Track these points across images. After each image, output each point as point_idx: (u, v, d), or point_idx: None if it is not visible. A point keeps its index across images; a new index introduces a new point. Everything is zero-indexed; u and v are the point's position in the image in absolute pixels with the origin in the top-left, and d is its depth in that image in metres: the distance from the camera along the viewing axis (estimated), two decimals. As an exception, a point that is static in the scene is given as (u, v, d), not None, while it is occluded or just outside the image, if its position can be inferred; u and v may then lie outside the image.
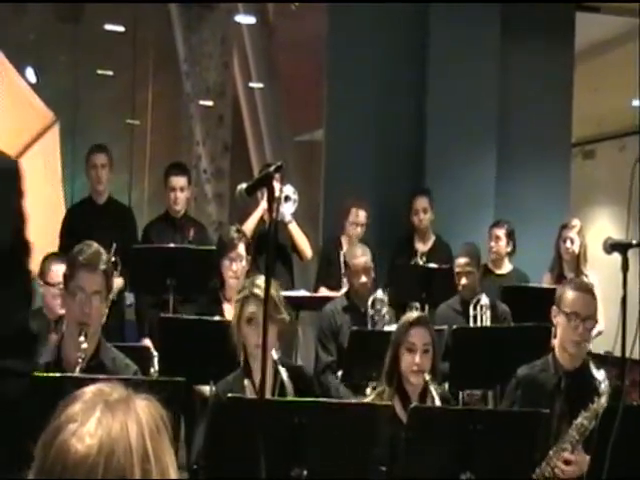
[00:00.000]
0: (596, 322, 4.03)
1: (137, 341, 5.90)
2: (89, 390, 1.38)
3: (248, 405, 3.31)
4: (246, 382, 3.70)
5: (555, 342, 4.02)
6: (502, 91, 7.78)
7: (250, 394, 3.59)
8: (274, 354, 3.60)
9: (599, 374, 3.74)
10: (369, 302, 5.53)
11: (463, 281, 5.78)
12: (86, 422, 1.33)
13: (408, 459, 3.41)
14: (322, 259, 7.09)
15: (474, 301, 5.69)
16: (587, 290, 3.94)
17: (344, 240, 6.90)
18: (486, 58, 7.70)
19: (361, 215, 6.82)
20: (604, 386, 3.70)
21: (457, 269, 5.81)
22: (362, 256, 5.64)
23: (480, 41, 7.66)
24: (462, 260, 5.81)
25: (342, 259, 6.60)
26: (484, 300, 5.68)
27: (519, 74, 7.94)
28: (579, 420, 3.72)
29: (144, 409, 1.37)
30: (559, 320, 3.91)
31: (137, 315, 6.38)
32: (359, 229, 6.80)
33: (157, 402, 1.40)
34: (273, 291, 3.73)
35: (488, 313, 5.62)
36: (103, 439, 1.31)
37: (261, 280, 3.67)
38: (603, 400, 3.65)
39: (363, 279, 5.56)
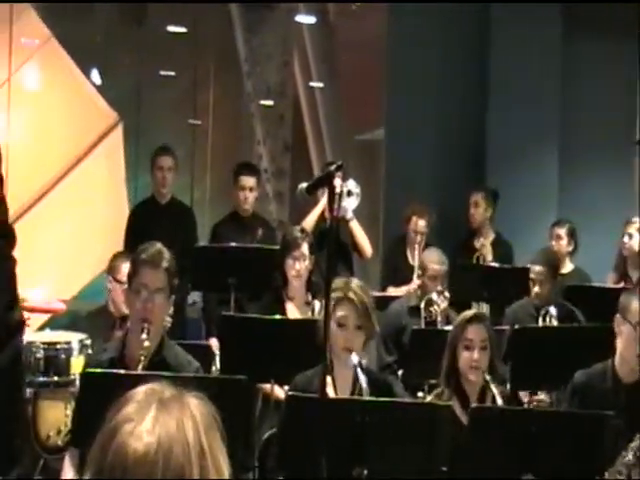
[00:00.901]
0: None
1: (201, 340, 5.94)
2: (141, 390, 1.39)
3: (310, 403, 3.32)
4: (327, 379, 3.70)
5: (617, 351, 3.89)
6: (565, 90, 7.69)
7: (330, 391, 3.58)
8: (354, 358, 3.58)
9: None
10: (422, 304, 5.50)
11: (536, 289, 5.62)
12: (142, 421, 1.33)
13: (468, 460, 3.39)
14: (386, 259, 7.09)
15: (543, 312, 5.57)
16: None
17: (408, 240, 6.90)
18: (548, 56, 7.61)
19: (420, 224, 6.79)
20: None
21: (532, 275, 5.64)
22: (442, 264, 5.61)
23: (542, 40, 7.58)
24: (538, 268, 5.64)
25: (410, 260, 6.61)
26: (552, 311, 5.55)
27: (582, 72, 7.83)
28: (635, 443, 3.62)
29: (197, 406, 1.37)
30: (622, 330, 3.77)
31: (205, 314, 6.44)
32: (419, 237, 6.78)
33: (207, 399, 1.40)
34: (366, 298, 3.73)
35: (555, 324, 5.50)
36: (161, 436, 1.32)
37: (355, 283, 3.71)
38: None
39: (439, 287, 5.55)
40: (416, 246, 6.70)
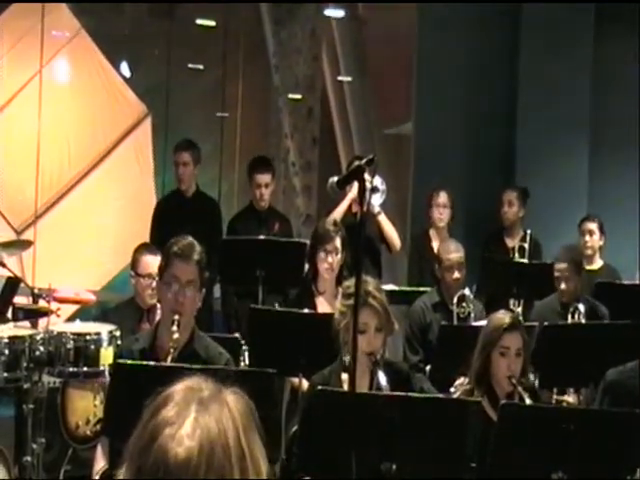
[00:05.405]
0: None
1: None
2: (179, 389, 1.37)
3: (339, 398, 3.31)
4: (344, 376, 3.69)
5: None
6: (595, 89, 7.64)
7: (346, 388, 3.56)
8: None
9: None
10: (455, 299, 5.46)
11: (562, 286, 5.58)
12: (183, 424, 1.32)
13: (498, 457, 3.36)
14: (412, 254, 7.07)
15: (571, 309, 5.53)
16: None
17: (432, 233, 6.88)
18: (579, 55, 7.58)
19: (442, 196, 6.80)
20: None
21: (556, 273, 5.60)
22: (456, 252, 5.54)
23: (573, 38, 7.55)
24: (562, 265, 5.59)
25: (434, 248, 6.60)
26: (581, 308, 5.50)
27: (613, 71, 7.77)
28: None
29: (235, 404, 1.37)
30: None
31: (223, 308, 6.45)
32: (440, 210, 6.77)
33: (244, 394, 1.40)
34: (384, 298, 3.70)
35: (584, 321, 5.46)
36: (202, 440, 1.31)
37: (372, 285, 3.67)
38: None
39: (456, 275, 5.48)
40: (441, 225, 6.70)
